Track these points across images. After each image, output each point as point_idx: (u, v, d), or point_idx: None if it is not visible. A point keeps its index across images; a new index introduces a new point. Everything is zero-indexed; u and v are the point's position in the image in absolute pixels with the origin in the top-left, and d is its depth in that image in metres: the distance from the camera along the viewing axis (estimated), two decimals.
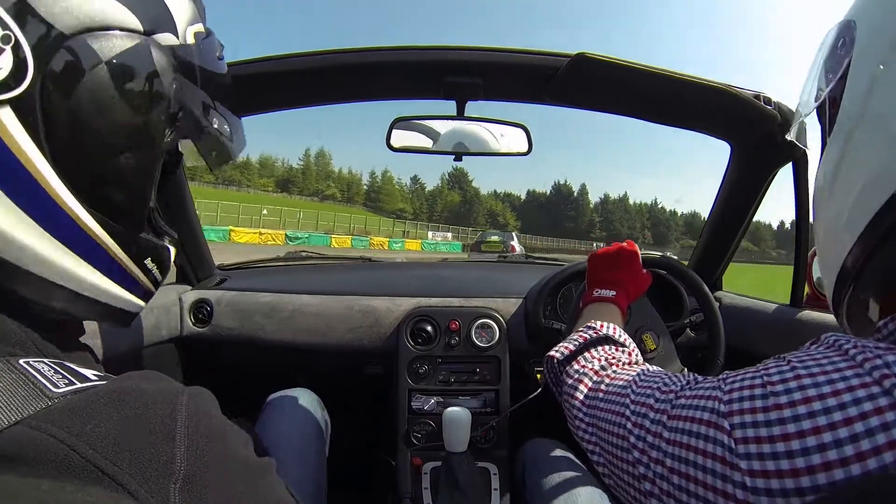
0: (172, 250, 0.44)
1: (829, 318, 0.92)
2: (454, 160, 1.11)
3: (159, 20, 0.36)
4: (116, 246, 0.37)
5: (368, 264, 1.63)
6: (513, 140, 1.11)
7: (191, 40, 0.39)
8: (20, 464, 0.23)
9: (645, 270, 0.78)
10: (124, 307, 0.40)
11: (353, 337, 1.16)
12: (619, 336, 0.58)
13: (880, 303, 0.39)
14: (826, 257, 0.41)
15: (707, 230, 1.20)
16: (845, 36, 0.40)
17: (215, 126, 0.41)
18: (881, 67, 0.35)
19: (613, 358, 0.54)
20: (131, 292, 0.40)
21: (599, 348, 0.57)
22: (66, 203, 0.33)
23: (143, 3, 0.35)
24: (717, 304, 0.97)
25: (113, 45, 0.33)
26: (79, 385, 0.28)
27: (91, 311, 0.38)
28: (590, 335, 0.58)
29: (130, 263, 0.39)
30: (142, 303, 0.42)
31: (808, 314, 1.00)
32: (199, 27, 0.40)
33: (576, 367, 0.55)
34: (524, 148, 1.10)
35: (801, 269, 1.03)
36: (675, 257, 1.07)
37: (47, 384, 0.27)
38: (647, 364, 0.53)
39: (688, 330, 1.00)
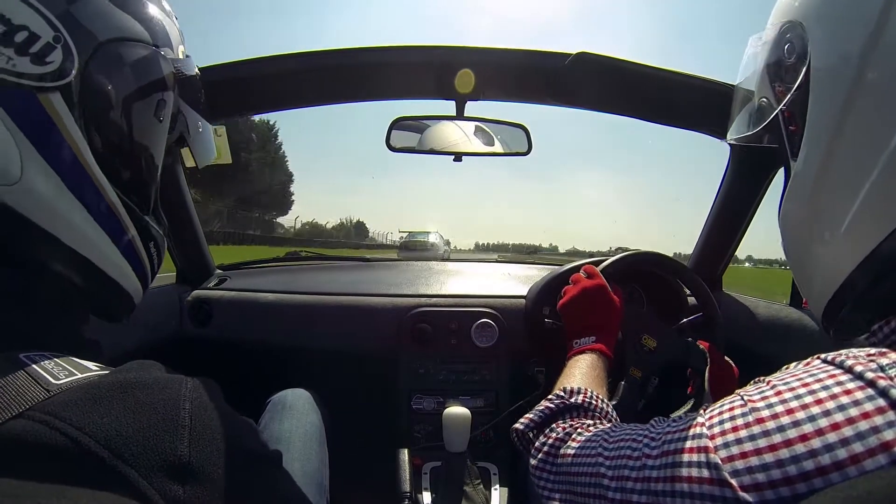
0: (166, 241, 0.49)
1: None
2: (454, 160, 1.11)
3: (162, 37, 0.44)
4: (130, 222, 0.41)
5: (368, 264, 1.64)
6: (512, 140, 1.11)
7: (181, 56, 0.47)
8: (20, 457, 0.23)
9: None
10: (127, 287, 0.43)
11: (353, 337, 1.15)
12: (590, 403, 0.57)
13: (875, 318, 0.38)
14: (810, 282, 0.40)
15: (707, 230, 1.20)
16: (792, 40, 0.37)
17: (199, 130, 0.50)
18: (859, 77, 0.33)
19: (579, 423, 0.53)
20: (136, 273, 0.43)
21: (567, 417, 0.55)
22: (96, 176, 0.38)
23: (151, 23, 0.43)
24: (717, 304, 0.97)
25: (134, 53, 0.40)
26: (80, 376, 0.28)
27: (96, 289, 0.40)
28: (556, 405, 0.57)
29: (139, 242, 0.43)
30: (140, 289, 0.45)
31: (809, 313, 1.00)
32: (183, 48, 0.48)
33: (542, 438, 0.54)
34: (524, 148, 1.10)
35: None
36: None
37: (48, 376, 0.27)
38: (614, 421, 0.53)
39: (688, 330, 1.00)
